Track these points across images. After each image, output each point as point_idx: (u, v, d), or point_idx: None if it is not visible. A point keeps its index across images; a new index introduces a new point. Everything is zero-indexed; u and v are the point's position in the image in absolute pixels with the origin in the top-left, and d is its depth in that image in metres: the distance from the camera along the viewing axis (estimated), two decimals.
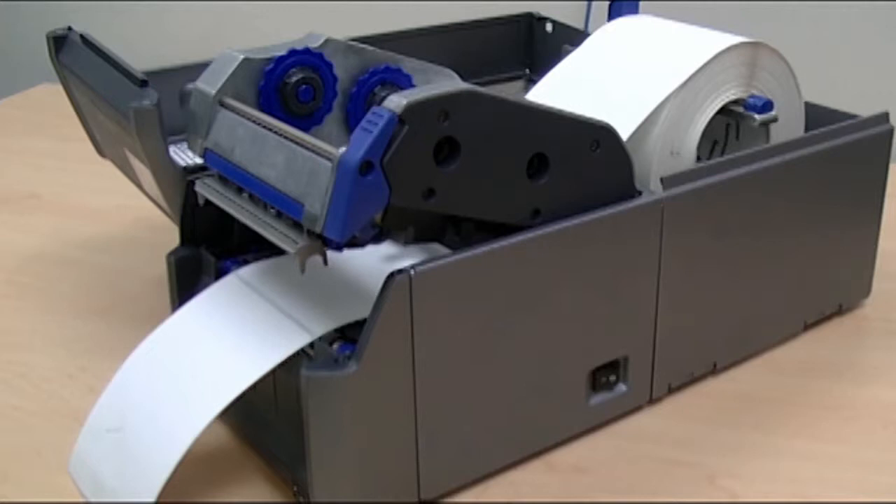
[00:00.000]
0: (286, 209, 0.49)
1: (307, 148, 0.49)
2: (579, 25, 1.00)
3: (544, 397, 0.56)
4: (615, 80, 0.65)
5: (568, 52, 0.71)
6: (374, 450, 0.50)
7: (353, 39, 0.64)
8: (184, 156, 0.65)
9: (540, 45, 0.86)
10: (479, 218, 0.52)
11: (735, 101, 0.64)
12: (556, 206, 0.53)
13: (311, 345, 0.52)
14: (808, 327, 0.69)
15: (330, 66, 0.59)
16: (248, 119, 0.54)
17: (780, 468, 0.56)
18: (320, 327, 0.52)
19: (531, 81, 0.84)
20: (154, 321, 0.55)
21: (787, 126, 0.67)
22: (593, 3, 1.19)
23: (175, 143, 0.64)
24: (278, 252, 0.57)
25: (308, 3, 1.31)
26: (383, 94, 0.60)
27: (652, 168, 0.61)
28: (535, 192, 0.52)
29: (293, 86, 0.58)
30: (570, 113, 0.52)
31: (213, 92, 0.56)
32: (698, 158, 0.64)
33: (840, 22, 1.13)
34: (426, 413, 0.51)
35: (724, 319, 0.63)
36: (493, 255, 0.51)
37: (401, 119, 0.46)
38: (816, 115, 0.68)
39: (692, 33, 0.66)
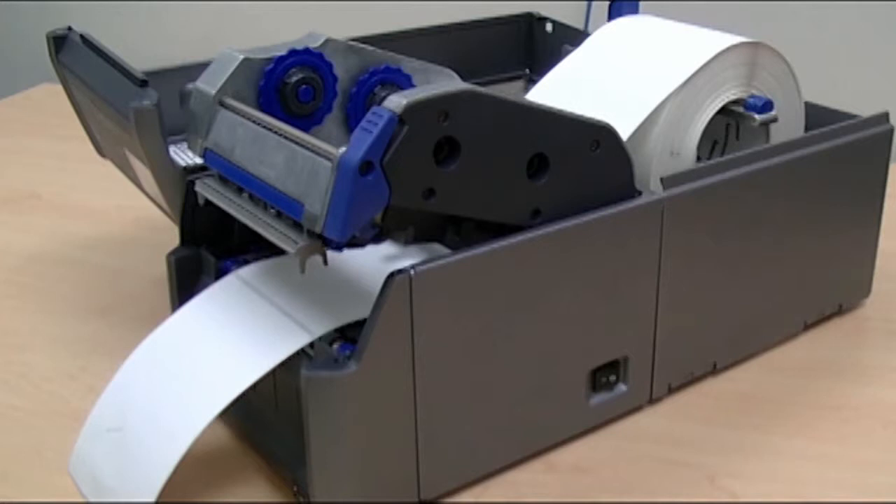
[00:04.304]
0: (286, 209, 0.49)
1: (307, 148, 0.49)
2: (579, 25, 1.00)
3: (544, 397, 0.56)
4: (615, 80, 0.65)
5: (568, 52, 0.71)
6: (374, 450, 0.50)
7: (353, 39, 0.64)
8: (184, 156, 0.65)
9: (540, 45, 0.86)
10: (479, 218, 0.52)
11: (735, 101, 0.64)
12: (556, 206, 0.53)
13: (311, 345, 0.52)
14: (808, 327, 0.69)
15: (330, 66, 0.59)
16: (248, 119, 0.54)
17: (780, 468, 0.56)
18: (320, 327, 0.52)
19: (531, 81, 0.84)
20: (154, 321, 0.55)
21: (787, 126, 0.67)
22: (593, 3, 1.19)
23: (175, 143, 0.64)
24: (278, 252, 0.57)
25: (308, 3, 1.31)
26: (383, 94, 0.60)
27: (652, 168, 0.61)
28: (535, 192, 0.52)
29: (293, 86, 0.58)
30: (570, 113, 0.52)
31: (213, 92, 0.56)
32: (698, 158, 0.64)
33: (840, 22, 1.13)
34: (426, 413, 0.51)
35: (724, 319, 0.63)
36: (493, 255, 0.51)
37: (401, 119, 0.46)
38: (816, 115, 0.68)
39: (692, 33, 0.66)
